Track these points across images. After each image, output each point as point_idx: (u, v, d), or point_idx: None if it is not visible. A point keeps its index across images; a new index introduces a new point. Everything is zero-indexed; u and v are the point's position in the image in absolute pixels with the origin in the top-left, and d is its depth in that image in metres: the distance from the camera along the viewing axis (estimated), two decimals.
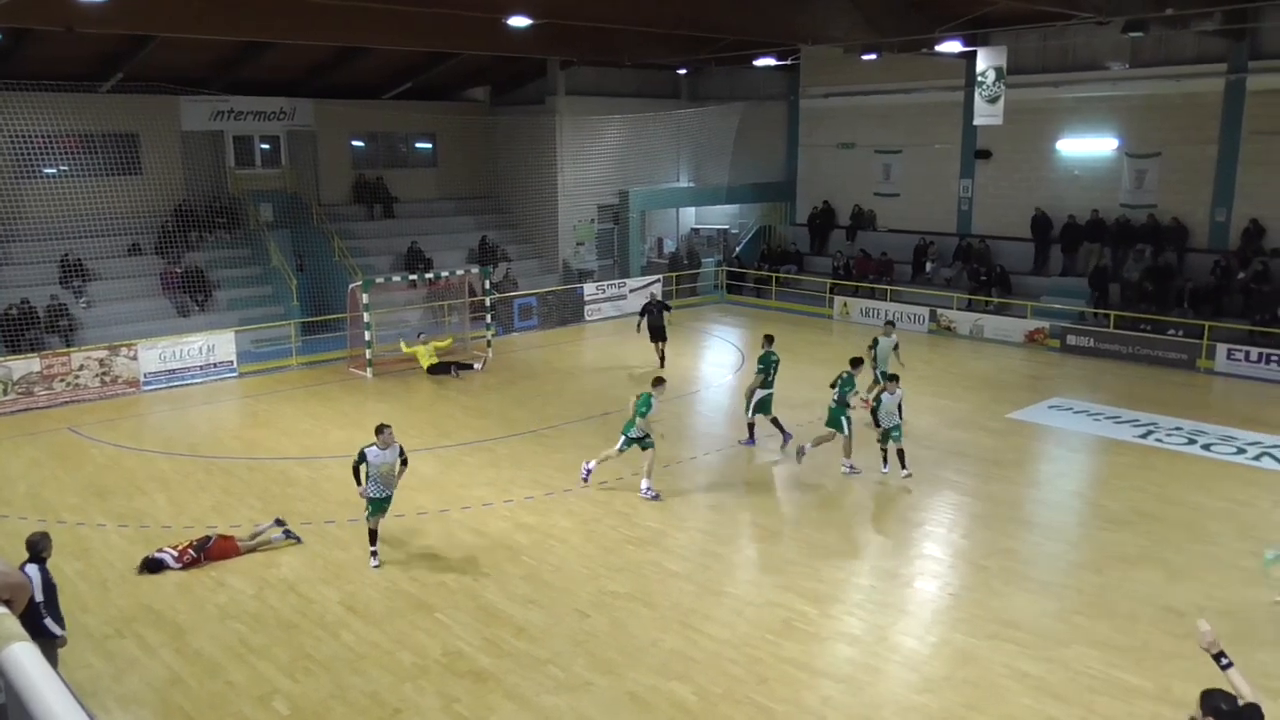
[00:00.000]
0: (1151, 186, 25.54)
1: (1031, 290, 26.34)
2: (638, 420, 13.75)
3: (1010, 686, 8.99)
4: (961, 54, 25.15)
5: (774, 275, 30.91)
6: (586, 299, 27.87)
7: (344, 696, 8.90)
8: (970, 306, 26.49)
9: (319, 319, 23.87)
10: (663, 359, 21.49)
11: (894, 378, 15.26)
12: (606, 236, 31.17)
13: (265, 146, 27.29)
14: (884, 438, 14.75)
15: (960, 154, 29.16)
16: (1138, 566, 11.56)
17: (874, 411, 14.84)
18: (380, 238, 27.73)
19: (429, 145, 31.01)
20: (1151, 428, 17.23)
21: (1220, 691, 5.50)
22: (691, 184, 33.09)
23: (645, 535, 12.54)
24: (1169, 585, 11.06)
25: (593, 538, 12.49)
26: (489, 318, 23.83)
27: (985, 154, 28.53)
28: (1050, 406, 18.85)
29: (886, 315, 23.61)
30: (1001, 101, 23.97)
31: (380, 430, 11.34)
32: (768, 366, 16.30)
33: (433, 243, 27.83)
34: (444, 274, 23.70)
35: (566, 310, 27.33)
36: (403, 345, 21.86)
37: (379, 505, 11.52)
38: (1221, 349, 21.68)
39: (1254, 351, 21.26)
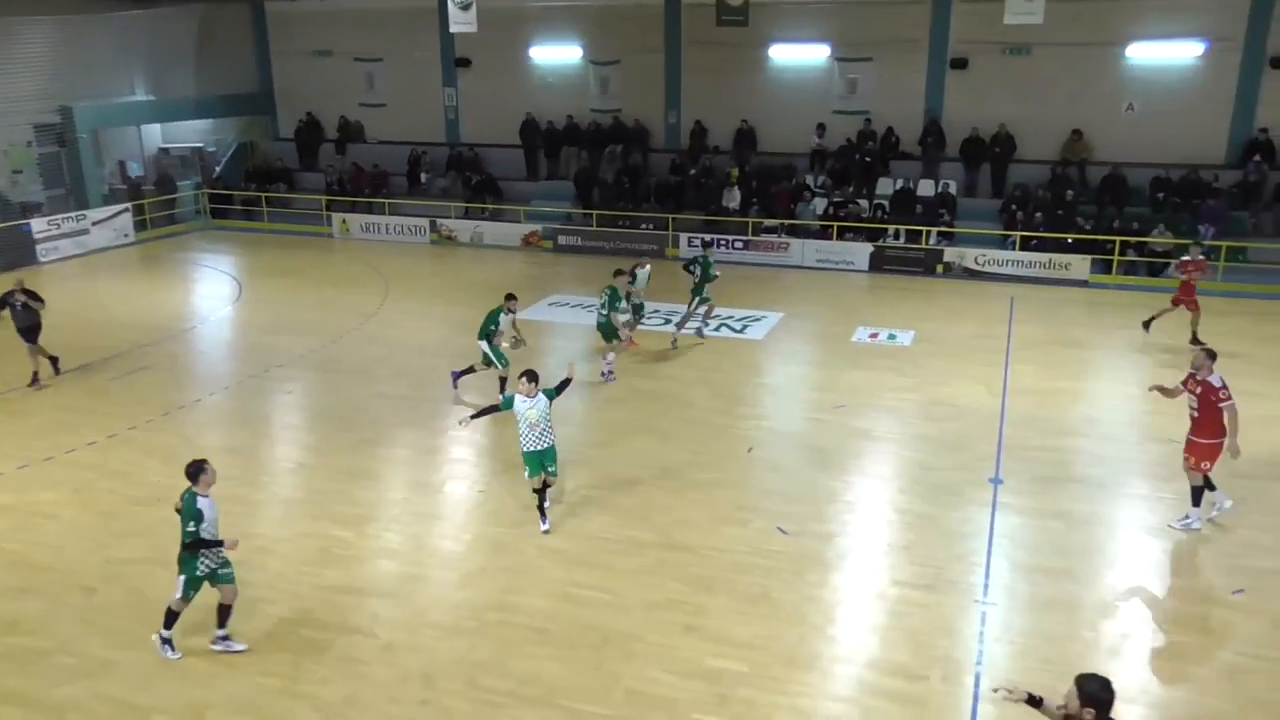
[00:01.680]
0: (615, 92, 27.99)
1: (523, 195, 27.73)
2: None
3: (542, 564, 9.78)
4: None
5: (263, 195, 29.08)
6: (38, 237, 24.02)
7: None
8: (468, 214, 27.23)
9: None
10: (51, 364, 15.38)
11: (511, 296, 14.13)
12: (53, 162, 26.86)
13: None
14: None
15: (441, 62, 29.42)
16: (635, 437, 13.05)
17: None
18: None
19: None
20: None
21: (1095, 676, 5.18)
22: (151, 97, 29.58)
23: (153, 492, 11.42)
24: (662, 449, 12.64)
25: (89, 505, 11.14)
26: None
27: (465, 62, 29.11)
28: (550, 303, 20.24)
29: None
30: (474, 9, 24.44)
31: None
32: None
33: None
34: None
35: (12, 253, 23.30)
36: None
37: None
38: (683, 237, 24.73)
39: (708, 237, 24.53)
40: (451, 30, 25.61)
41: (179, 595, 8.17)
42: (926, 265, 22.79)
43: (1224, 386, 10.11)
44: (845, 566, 9.86)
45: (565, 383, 10.67)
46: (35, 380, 14.98)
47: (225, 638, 8.42)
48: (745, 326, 18.36)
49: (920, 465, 12.17)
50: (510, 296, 14.28)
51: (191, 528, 7.97)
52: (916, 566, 9.72)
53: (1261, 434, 12.91)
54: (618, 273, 15.97)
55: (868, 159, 25.11)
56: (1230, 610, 8.96)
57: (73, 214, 25.25)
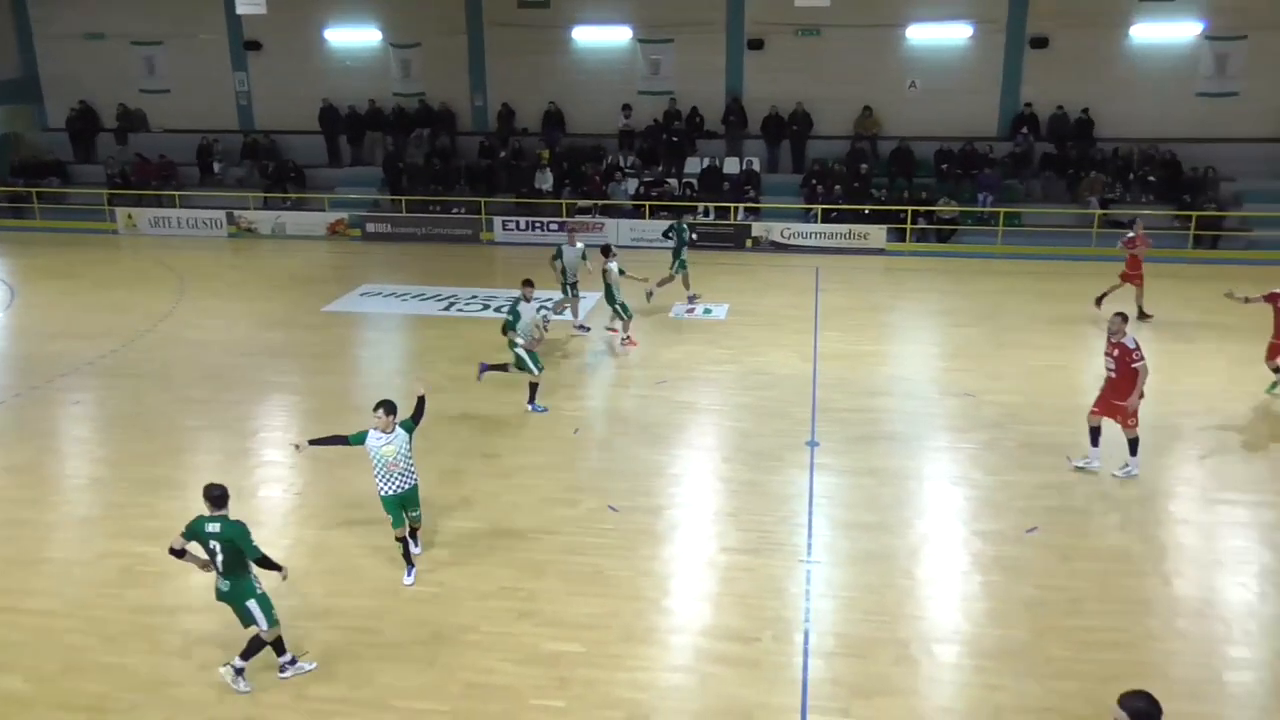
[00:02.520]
0: (418, 75, 27.24)
1: (327, 182, 26.66)
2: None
3: (365, 564, 9.47)
4: None
5: (33, 191, 26.69)
6: None
7: None
8: (268, 205, 25.94)
9: None
10: None
11: (528, 283, 13.37)
12: None
13: None
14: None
15: (229, 45, 27.81)
16: (458, 425, 12.81)
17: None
18: None
19: None
20: (453, 299, 18.95)
21: (1139, 694, 4.73)
22: None
23: None
24: (486, 435, 12.48)
25: None
26: None
27: (256, 45, 27.63)
28: (361, 294, 19.57)
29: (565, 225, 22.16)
30: None
31: None
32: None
33: None
34: None
35: None
36: None
37: None
38: (498, 221, 24.45)
39: (522, 220, 24.38)
40: (239, 11, 24.25)
41: (267, 625, 7.57)
42: (736, 240, 23.45)
43: (1137, 348, 10.68)
44: (675, 538, 10.04)
45: (420, 407, 9.31)
46: None
47: (242, 671, 7.67)
48: (564, 308, 18.32)
49: (741, 433, 12.53)
50: (527, 283, 13.45)
51: (255, 543, 7.47)
52: (743, 532, 10.01)
53: (1043, 383, 14.06)
54: (606, 249, 16.08)
55: (674, 138, 25.53)
56: (1025, 548, 9.67)
57: None
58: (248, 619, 7.63)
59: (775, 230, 23.35)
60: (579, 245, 16.73)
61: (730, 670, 7.87)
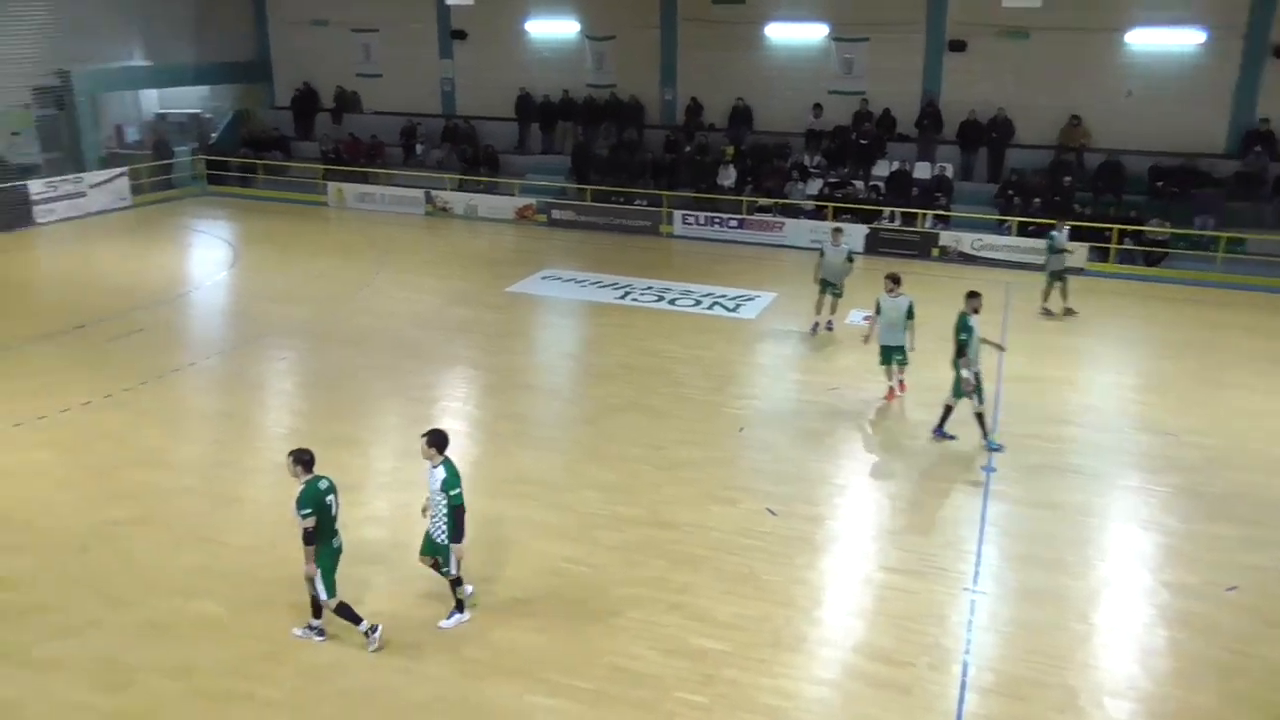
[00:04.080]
0: (610, 68, 27.74)
1: (517, 168, 27.56)
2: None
3: (528, 538, 9.76)
4: None
5: (259, 162, 28.88)
6: (35, 198, 23.86)
7: None
8: (463, 187, 27.07)
9: None
10: None
11: (973, 294, 12.16)
12: (51, 125, 26.58)
13: None
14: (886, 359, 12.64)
15: (437, 34, 29.18)
16: (625, 413, 13.00)
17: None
18: None
19: None
20: (629, 289, 19.23)
21: None
22: (149, 62, 29.27)
23: (145, 455, 11.43)
24: (652, 426, 12.61)
25: (83, 466, 11.11)
26: None
27: (461, 34, 28.86)
28: (543, 278, 20.16)
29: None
30: None
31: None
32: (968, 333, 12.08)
33: None
34: None
35: (9, 214, 23.20)
36: None
37: None
38: (678, 214, 24.61)
39: (702, 215, 24.44)
40: (448, 2, 25.43)
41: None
42: (922, 249, 22.69)
43: None
44: (834, 550, 9.84)
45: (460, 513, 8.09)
46: None
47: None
48: (738, 305, 18.31)
49: (913, 451, 12.13)
50: (973, 295, 12.23)
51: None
52: (905, 552, 9.69)
53: (1255, 428, 12.90)
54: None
55: (863, 140, 24.96)
56: (1222, 606, 8.86)
57: (70, 177, 25.06)
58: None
59: (965, 241, 22.46)
60: (843, 246, 16.40)
61: (878, 692, 7.66)
